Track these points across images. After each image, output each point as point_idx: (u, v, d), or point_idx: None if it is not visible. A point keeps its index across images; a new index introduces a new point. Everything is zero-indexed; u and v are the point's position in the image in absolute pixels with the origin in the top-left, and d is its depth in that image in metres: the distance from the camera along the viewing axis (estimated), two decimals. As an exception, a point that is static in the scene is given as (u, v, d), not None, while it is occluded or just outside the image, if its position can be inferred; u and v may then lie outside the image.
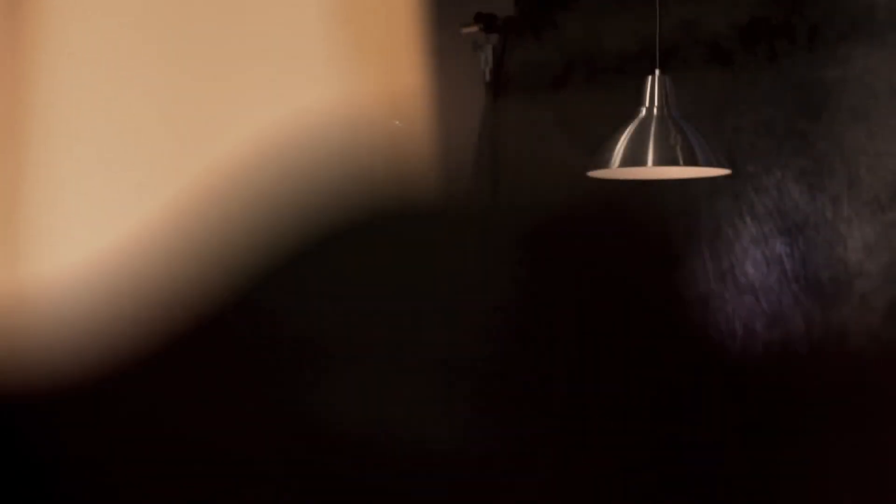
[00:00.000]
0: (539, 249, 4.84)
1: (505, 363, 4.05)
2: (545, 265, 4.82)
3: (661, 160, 3.45)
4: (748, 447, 4.31)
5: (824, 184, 4.33)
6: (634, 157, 3.46)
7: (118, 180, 2.09)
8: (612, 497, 4.28)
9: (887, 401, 4.20)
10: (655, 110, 3.49)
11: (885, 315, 4.19)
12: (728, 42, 4.50)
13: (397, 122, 2.28)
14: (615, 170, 3.49)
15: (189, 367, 2.10)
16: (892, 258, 4.21)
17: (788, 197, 4.41)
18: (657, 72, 3.50)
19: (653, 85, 3.50)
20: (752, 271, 4.46)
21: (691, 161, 3.46)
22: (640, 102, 3.50)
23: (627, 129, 3.48)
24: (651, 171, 3.58)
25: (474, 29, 4.87)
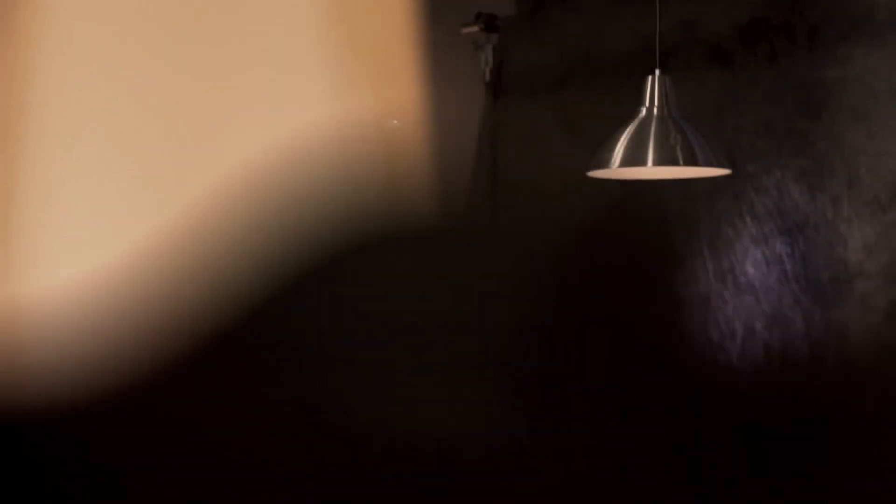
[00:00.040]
0: (542, 256, 4.84)
1: (513, 361, 4.05)
2: (546, 272, 4.82)
3: (661, 160, 3.45)
4: (748, 447, 4.31)
5: (824, 184, 4.33)
6: (634, 157, 3.46)
7: (115, 197, 2.08)
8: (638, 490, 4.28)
9: (887, 401, 4.20)
10: (655, 110, 3.49)
11: (885, 315, 4.19)
12: (728, 42, 4.50)
13: (395, 122, 2.28)
14: (615, 170, 3.49)
15: (188, 382, 2.09)
16: (892, 258, 4.21)
17: (788, 197, 4.41)
18: (657, 72, 3.50)
19: (653, 85, 3.50)
20: (752, 271, 4.46)
21: (691, 161, 3.46)
22: (640, 102, 3.50)
23: (627, 129, 3.48)
24: (651, 171, 3.58)
25: (474, 29, 4.87)
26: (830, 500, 4.13)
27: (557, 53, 4.80)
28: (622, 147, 3.46)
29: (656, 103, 3.49)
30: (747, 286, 4.45)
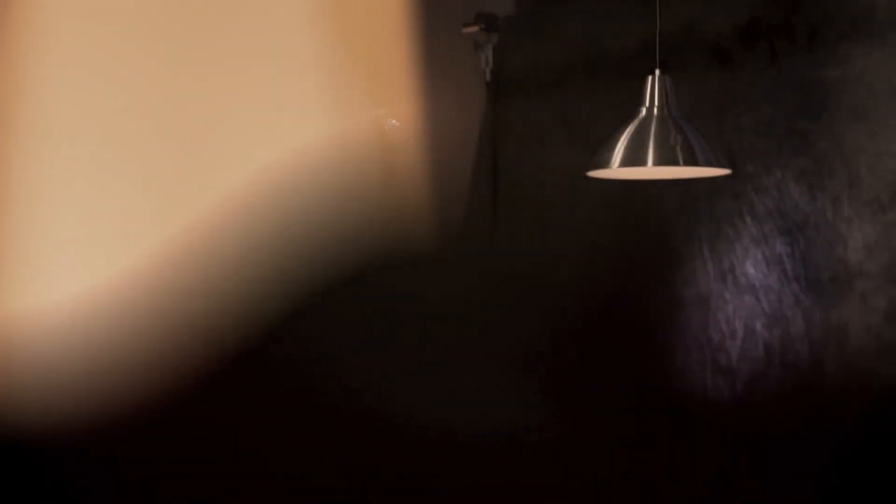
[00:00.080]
0: (543, 264, 4.84)
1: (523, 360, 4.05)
2: (549, 277, 4.82)
3: (661, 160, 3.45)
4: (747, 447, 4.32)
5: (824, 184, 4.33)
6: (634, 157, 3.45)
7: (114, 204, 2.06)
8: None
9: (887, 401, 4.20)
10: (655, 110, 3.49)
11: (885, 315, 4.19)
12: (728, 42, 4.50)
13: (394, 122, 2.28)
14: (615, 170, 3.49)
15: (192, 399, 2.07)
16: (892, 258, 4.21)
17: (789, 197, 4.41)
18: (657, 72, 3.50)
19: (653, 85, 3.50)
20: (752, 271, 4.46)
21: (691, 161, 3.46)
22: (640, 102, 3.50)
23: (627, 129, 3.48)
24: (651, 171, 3.57)
25: (475, 29, 4.87)
26: (830, 498, 4.13)
27: (557, 53, 4.80)
28: (622, 147, 3.46)
29: (656, 103, 3.49)
30: (747, 286, 4.45)
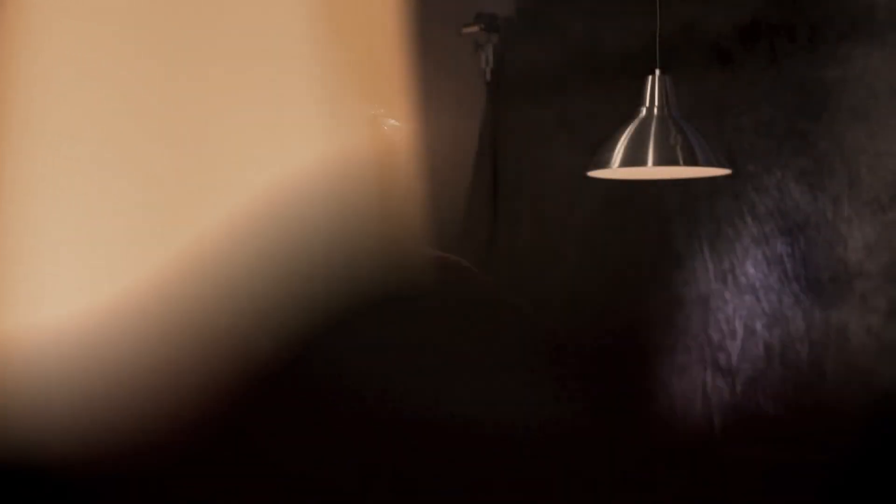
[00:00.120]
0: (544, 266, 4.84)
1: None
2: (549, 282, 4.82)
3: (662, 160, 3.45)
4: (747, 447, 4.31)
5: (825, 184, 4.33)
6: (634, 157, 3.45)
7: (107, 232, 2.04)
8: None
9: (887, 400, 4.20)
10: (655, 110, 3.49)
11: (885, 315, 4.19)
12: (728, 42, 4.50)
13: (394, 122, 2.27)
14: (615, 170, 3.48)
15: (184, 434, 2.06)
16: (892, 258, 4.21)
17: (789, 197, 4.41)
18: (657, 72, 3.50)
19: (653, 85, 3.50)
20: (752, 271, 4.46)
21: (691, 161, 3.45)
22: (640, 102, 3.50)
23: (627, 129, 3.48)
24: (651, 171, 3.57)
25: (475, 29, 4.87)
26: (830, 499, 4.13)
27: (558, 53, 4.80)
28: (622, 147, 3.46)
29: (656, 103, 3.49)
30: (747, 286, 4.45)
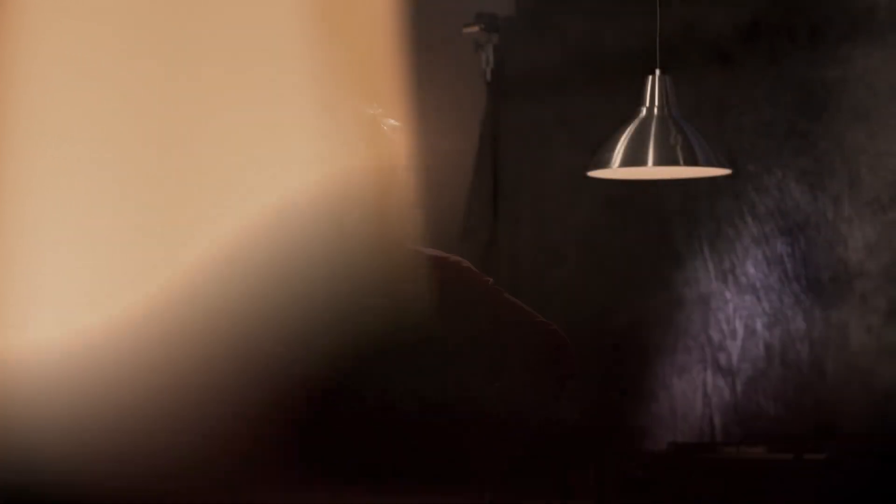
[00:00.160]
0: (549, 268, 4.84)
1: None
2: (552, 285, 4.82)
3: (662, 160, 3.44)
4: (747, 447, 4.31)
5: (825, 184, 4.33)
6: (634, 157, 3.44)
7: (106, 236, 2.02)
8: None
9: (887, 400, 4.20)
10: (656, 110, 3.48)
11: (885, 315, 4.19)
12: (729, 42, 4.50)
13: (393, 121, 2.26)
14: (615, 170, 3.48)
15: (181, 457, 2.03)
16: (892, 258, 4.21)
17: (789, 197, 4.41)
18: (657, 72, 3.49)
19: (653, 85, 3.49)
20: (752, 271, 4.46)
21: (691, 161, 3.44)
22: (641, 102, 3.49)
23: (627, 129, 3.47)
24: (651, 171, 3.56)
25: (475, 29, 4.86)
26: (828, 498, 4.13)
27: (558, 53, 4.80)
28: (622, 147, 3.45)
29: (656, 103, 3.48)
30: (748, 286, 4.45)
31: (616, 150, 3.45)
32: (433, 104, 4.92)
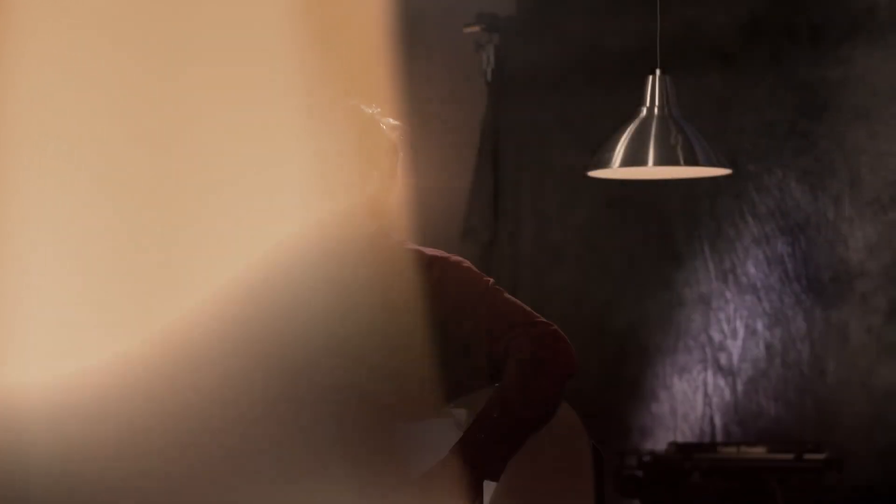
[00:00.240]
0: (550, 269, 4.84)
1: None
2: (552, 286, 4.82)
3: (662, 160, 3.43)
4: (747, 446, 4.31)
5: (826, 183, 4.33)
6: (635, 157, 3.44)
7: (95, 300, 1.99)
8: None
9: (886, 400, 4.20)
10: (656, 110, 3.47)
11: (885, 315, 4.18)
12: (729, 42, 4.50)
13: (392, 121, 2.26)
14: (615, 169, 3.47)
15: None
16: (893, 258, 4.21)
17: (790, 196, 4.41)
18: (658, 72, 3.48)
19: (653, 85, 3.48)
20: (753, 271, 4.45)
21: (692, 161, 3.44)
22: (641, 102, 3.49)
23: (627, 129, 3.46)
24: (651, 171, 3.56)
25: (476, 29, 4.86)
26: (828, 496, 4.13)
27: (558, 53, 4.79)
28: (622, 147, 3.45)
29: (657, 103, 3.47)
30: (748, 286, 4.45)
31: (616, 150, 3.45)
32: (433, 104, 4.92)
